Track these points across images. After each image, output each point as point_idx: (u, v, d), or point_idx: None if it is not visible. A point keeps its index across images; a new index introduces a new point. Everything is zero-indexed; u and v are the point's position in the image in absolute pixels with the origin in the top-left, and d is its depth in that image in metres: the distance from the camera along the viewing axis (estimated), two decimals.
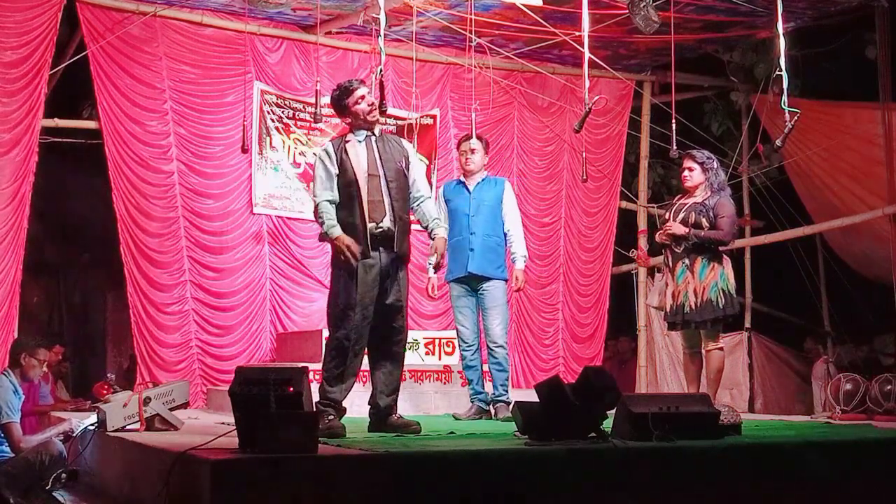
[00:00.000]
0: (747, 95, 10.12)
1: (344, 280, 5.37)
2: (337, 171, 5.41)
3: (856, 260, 10.39)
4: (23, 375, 6.49)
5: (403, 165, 5.53)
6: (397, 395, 5.53)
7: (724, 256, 6.49)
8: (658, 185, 11.06)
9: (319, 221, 5.45)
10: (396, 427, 5.38)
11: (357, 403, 5.69)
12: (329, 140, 5.71)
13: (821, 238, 10.65)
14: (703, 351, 6.53)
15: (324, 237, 5.48)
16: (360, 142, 5.49)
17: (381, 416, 5.45)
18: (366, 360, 5.54)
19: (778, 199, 10.38)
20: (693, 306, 6.35)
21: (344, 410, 5.42)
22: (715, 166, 6.58)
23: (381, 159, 5.47)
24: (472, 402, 6.99)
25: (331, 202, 5.42)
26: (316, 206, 5.48)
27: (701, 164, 6.56)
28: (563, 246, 10.07)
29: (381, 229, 5.39)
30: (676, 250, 6.47)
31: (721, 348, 6.52)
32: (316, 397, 5.25)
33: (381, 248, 5.38)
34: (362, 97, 5.48)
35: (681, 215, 6.47)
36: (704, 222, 6.38)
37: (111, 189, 8.25)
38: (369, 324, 5.39)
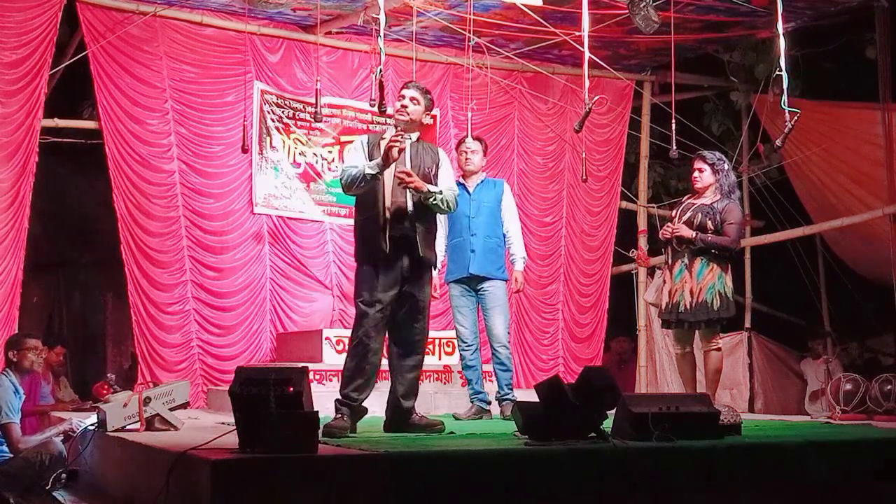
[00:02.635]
0: (747, 95, 10.11)
1: (364, 276, 5.40)
2: (367, 158, 5.42)
3: (856, 260, 10.39)
4: (19, 369, 6.50)
5: (432, 172, 5.50)
6: (416, 396, 5.53)
7: (727, 260, 6.47)
8: (658, 185, 11.06)
9: (355, 176, 5.34)
10: (421, 427, 5.39)
11: (380, 403, 5.63)
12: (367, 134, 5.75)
13: (821, 238, 10.65)
14: (702, 351, 6.53)
15: (376, 169, 5.30)
16: None
17: (403, 417, 5.45)
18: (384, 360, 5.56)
19: (778, 199, 10.38)
20: (688, 306, 6.35)
21: (364, 410, 5.41)
22: (726, 168, 6.57)
23: (410, 163, 5.45)
24: (471, 402, 7.01)
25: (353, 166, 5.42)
26: (342, 173, 5.46)
27: (711, 165, 6.54)
28: (564, 246, 10.07)
29: (401, 232, 5.37)
30: (677, 248, 6.46)
31: (719, 349, 6.51)
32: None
33: (402, 251, 5.38)
34: (402, 97, 5.53)
35: (687, 215, 6.46)
36: (709, 224, 6.37)
37: (111, 189, 8.25)
38: (387, 324, 5.40)
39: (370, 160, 5.41)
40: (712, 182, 6.52)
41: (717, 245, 6.36)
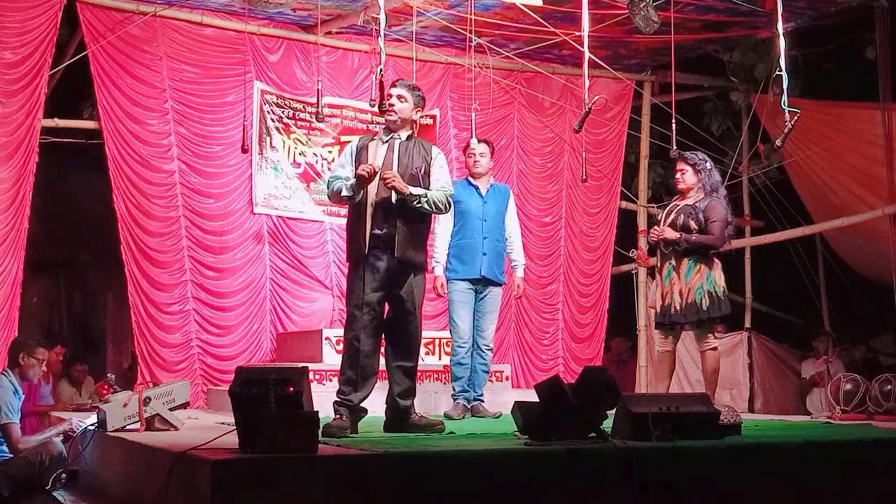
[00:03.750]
0: (747, 95, 10.11)
1: (352, 278, 5.42)
2: (353, 166, 5.43)
3: (856, 260, 10.39)
4: (21, 375, 6.48)
5: (422, 171, 5.45)
6: (414, 396, 5.53)
7: (714, 258, 6.48)
8: (658, 185, 11.06)
9: (336, 191, 5.44)
10: (421, 427, 5.38)
11: (380, 403, 5.64)
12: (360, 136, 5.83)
13: (821, 238, 10.65)
14: (698, 352, 6.54)
15: (351, 192, 5.38)
16: (383, 142, 5.49)
17: (402, 417, 5.44)
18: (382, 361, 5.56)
19: (778, 199, 10.38)
20: (678, 307, 6.36)
21: (364, 411, 5.40)
22: (708, 167, 6.58)
23: (398, 162, 5.44)
24: (456, 399, 7.00)
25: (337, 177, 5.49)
26: (328, 183, 5.60)
27: (693, 165, 6.56)
28: (564, 246, 10.07)
29: (385, 232, 5.35)
30: (664, 251, 6.47)
31: (715, 348, 6.50)
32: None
33: (387, 251, 5.36)
34: (390, 95, 5.49)
35: (671, 217, 6.48)
36: (693, 224, 6.38)
37: (111, 189, 8.25)
38: (379, 325, 5.39)
39: (358, 163, 5.41)
40: (695, 182, 6.53)
41: (701, 244, 6.37)
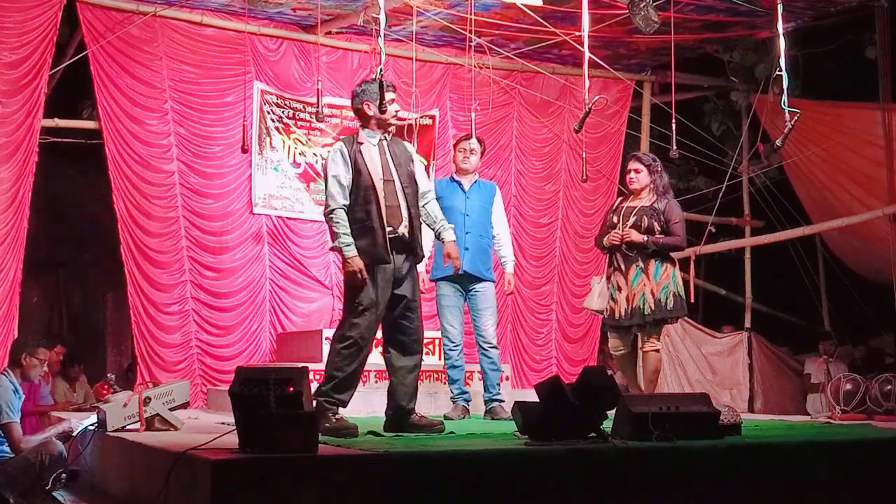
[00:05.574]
0: (747, 95, 10.12)
1: (361, 282, 5.37)
2: (351, 175, 5.37)
3: (855, 260, 10.39)
4: (23, 375, 6.48)
5: (412, 169, 5.49)
6: (415, 396, 5.51)
7: (673, 258, 6.50)
8: None
9: (333, 230, 5.37)
10: (421, 427, 5.36)
11: (380, 403, 5.61)
12: (341, 139, 5.65)
13: (821, 238, 10.66)
14: (640, 351, 6.52)
15: (335, 248, 5.42)
16: (374, 144, 5.46)
17: (403, 416, 5.42)
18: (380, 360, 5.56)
19: (778, 199, 10.40)
20: (652, 307, 6.36)
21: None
22: (660, 169, 6.58)
23: (394, 163, 5.43)
24: (455, 401, 6.99)
25: (346, 208, 5.36)
26: (331, 213, 5.37)
27: (648, 166, 6.56)
28: (559, 247, 10.07)
29: (397, 234, 5.36)
30: (629, 253, 6.46)
31: (657, 350, 6.48)
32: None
33: (394, 252, 5.36)
34: (392, 101, 5.44)
35: (631, 219, 6.45)
36: (656, 226, 6.39)
37: (111, 189, 8.25)
38: (378, 325, 5.40)
39: (354, 170, 5.34)
40: (648, 182, 6.52)
41: (668, 246, 6.40)
